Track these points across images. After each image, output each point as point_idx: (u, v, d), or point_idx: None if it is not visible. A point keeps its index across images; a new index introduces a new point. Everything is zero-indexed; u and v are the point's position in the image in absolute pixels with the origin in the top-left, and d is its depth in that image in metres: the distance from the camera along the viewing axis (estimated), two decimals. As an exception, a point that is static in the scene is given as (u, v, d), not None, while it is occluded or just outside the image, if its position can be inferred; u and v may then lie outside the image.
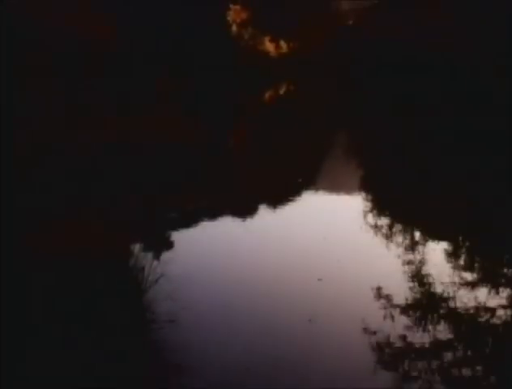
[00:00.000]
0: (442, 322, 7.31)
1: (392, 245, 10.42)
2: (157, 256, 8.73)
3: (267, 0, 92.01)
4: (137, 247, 8.80)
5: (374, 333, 6.95)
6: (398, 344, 6.79)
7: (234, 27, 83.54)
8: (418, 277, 8.80)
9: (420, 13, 34.09)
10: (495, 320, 7.40)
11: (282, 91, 66.40)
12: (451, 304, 7.83)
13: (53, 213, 9.32)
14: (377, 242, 10.60)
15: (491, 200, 13.49)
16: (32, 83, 18.74)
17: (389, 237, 11.16)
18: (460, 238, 11.22)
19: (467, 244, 11.00)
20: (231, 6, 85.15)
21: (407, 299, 7.97)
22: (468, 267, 9.39)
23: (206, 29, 62.74)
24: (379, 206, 13.91)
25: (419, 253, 10.03)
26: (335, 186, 17.01)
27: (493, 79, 23.89)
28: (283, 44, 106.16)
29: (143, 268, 7.71)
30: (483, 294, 8.13)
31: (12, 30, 19.51)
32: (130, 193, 12.76)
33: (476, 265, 9.81)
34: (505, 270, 9.69)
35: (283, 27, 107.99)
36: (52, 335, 6.21)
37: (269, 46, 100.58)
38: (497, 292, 8.25)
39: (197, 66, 53.77)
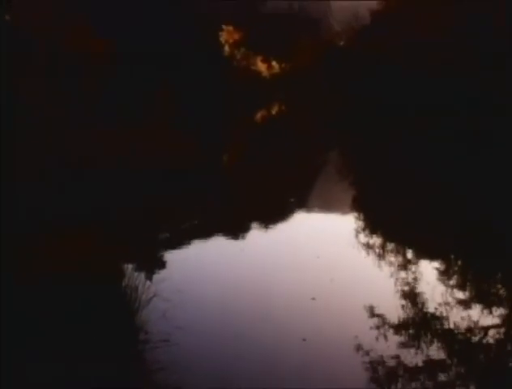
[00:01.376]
0: (435, 341, 7.32)
1: (384, 264, 10.45)
2: (150, 275, 8.72)
3: (260, 21, 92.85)
4: (130, 266, 8.78)
5: (367, 353, 6.95)
6: (391, 363, 6.80)
7: (227, 48, 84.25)
8: (411, 296, 8.83)
9: (408, 32, 34.47)
10: (488, 339, 7.42)
11: (274, 111, 66.76)
12: (444, 323, 7.85)
13: (42, 228, 9.30)
14: (369, 261, 10.63)
15: (483, 219, 13.58)
16: (28, 96, 18.79)
17: (381, 255, 11.18)
18: (452, 257, 11.26)
19: (459, 263, 11.03)
20: (224, 26, 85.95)
21: (399, 318, 7.98)
22: (460, 286, 9.43)
23: (199, 48, 63.11)
24: (371, 225, 13.97)
25: (411, 272, 10.07)
26: (327, 205, 17.07)
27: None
28: (275, 64, 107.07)
29: (137, 287, 7.69)
30: (475, 313, 8.16)
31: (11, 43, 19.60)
32: (123, 210, 12.76)
33: (468, 284, 9.84)
34: (497, 289, 9.74)
35: (275, 48, 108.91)
36: (45, 353, 6.17)
37: (261, 66, 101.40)
38: (490, 311, 8.28)
39: (190, 86, 53.99)
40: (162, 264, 9.99)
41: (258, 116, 56.90)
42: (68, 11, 27.13)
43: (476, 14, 25.75)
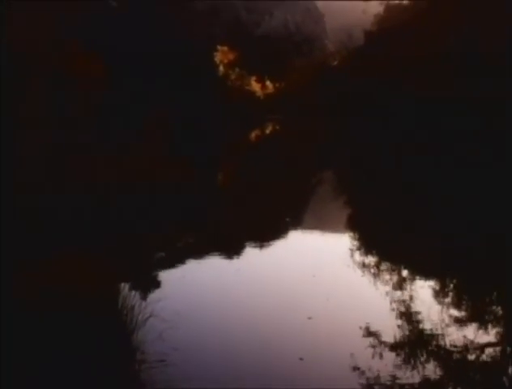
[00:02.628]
0: (431, 360, 7.33)
1: (380, 283, 10.46)
2: (147, 295, 8.72)
3: (254, 42, 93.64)
4: (126, 286, 8.77)
5: (364, 372, 6.95)
6: (388, 382, 6.79)
7: (221, 68, 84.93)
8: (406, 315, 8.84)
9: (402, 53, 34.87)
10: (484, 358, 7.44)
11: (268, 130, 67.08)
12: (440, 341, 7.86)
13: (43, 250, 9.31)
14: (365, 280, 10.65)
15: (477, 239, 13.64)
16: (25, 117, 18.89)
17: (376, 274, 11.21)
18: (447, 276, 11.28)
19: (455, 281, 11.06)
20: (218, 47, 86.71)
21: (395, 337, 7.99)
22: (456, 305, 9.45)
23: (195, 68, 63.48)
24: (366, 244, 14.01)
25: (407, 290, 10.09)
26: (322, 224, 17.11)
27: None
28: (269, 84, 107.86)
29: (133, 307, 7.69)
30: (471, 331, 8.18)
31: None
32: (119, 232, 12.78)
33: (464, 302, 9.86)
34: (493, 307, 9.77)
35: (269, 68, 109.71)
36: (40, 374, 6.16)
37: (255, 86, 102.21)
38: (485, 330, 8.30)
39: (185, 105, 54.27)
40: (158, 284, 9.98)
41: (253, 135, 57.15)
42: (66, 36, 27.37)
43: (471, 39, 26.13)
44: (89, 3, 39.16)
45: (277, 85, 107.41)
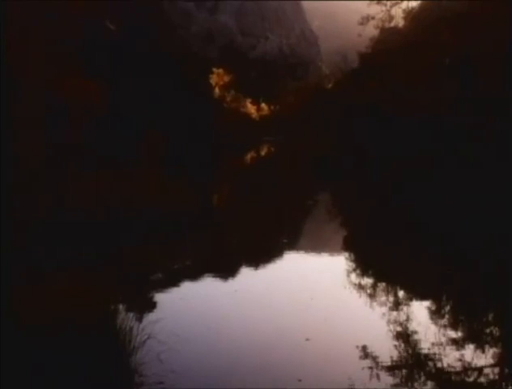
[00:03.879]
0: (428, 382, 7.34)
1: (377, 304, 10.49)
2: (144, 317, 8.72)
3: (249, 64, 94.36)
4: (124, 307, 8.79)
5: (362, 393, 6.97)
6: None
7: (217, 90, 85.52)
8: (403, 336, 8.87)
9: (394, 79, 35.18)
10: (482, 379, 7.45)
11: (263, 153, 67.36)
12: (437, 363, 7.88)
13: (39, 271, 9.32)
14: (362, 301, 10.68)
15: (473, 259, 13.71)
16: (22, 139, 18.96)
17: (373, 295, 11.24)
18: (444, 297, 11.32)
19: (451, 302, 11.09)
20: (214, 69, 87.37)
21: (393, 358, 8.01)
22: (453, 326, 9.47)
23: (190, 90, 63.84)
24: (362, 265, 14.05)
25: (403, 311, 10.12)
26: (319, 246, 17.14)
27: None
28: (264, 106, 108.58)
29: (131, 329, 7.69)
30: (468, 353, 8.21)
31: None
32: (116, 254, 12.82)
33: (461, 323, 9.88)
34: (490, 328, 9.80)
35: (264, 91, 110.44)
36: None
37: (251, 108, 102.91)
38: (483, 351, 8.33)
39: (180, 126, 54.51)
40: (156, 306, 9.98)
41: (248, 157, 57.36)
42: (63, 60, 27.54)
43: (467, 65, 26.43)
44: (87, 25, 39.45)
45: (272, 107, 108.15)
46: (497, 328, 9.75)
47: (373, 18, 41.15)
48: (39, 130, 21.85)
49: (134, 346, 7.40)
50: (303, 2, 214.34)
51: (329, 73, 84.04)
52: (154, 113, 49.17)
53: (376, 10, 40.82)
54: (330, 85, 72.94)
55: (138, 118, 44.06)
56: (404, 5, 41.77)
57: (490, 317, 10.41)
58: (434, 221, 18.65)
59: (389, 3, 40.06)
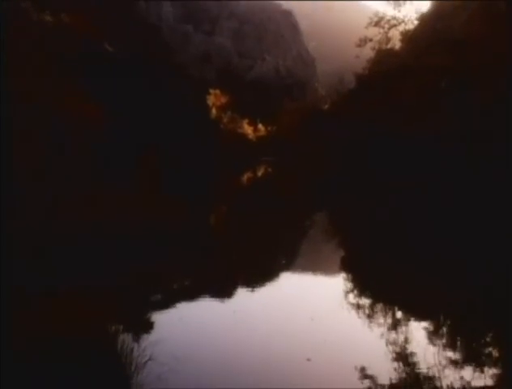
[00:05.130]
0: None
1: (376, 325, 10.52)
2: (144, 338, 8.74)
3: (246, 85, 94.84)
4: (124, 328, 8.82)
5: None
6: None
7: (214, 111, 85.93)
8: (402, 357, 8.90)
9: (391, 100, 35.48)
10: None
11: (260, 173, 67.51)
12: (436, 384, 7.91)
13: (40, 290, 9.36)
14: (360, 322, 10.72)
15: (473, 279, 13.77)
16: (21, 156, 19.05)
17: (371, 316, 11.27)
18: (442, 317, 11.35)
19: (449, 322, 11.13)
20: (211, 90, 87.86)
21: (391, 379, 8.04)
22: (451, 346, 9.51)
23: (188, 111, 64.13)
24: (360, 285, 14.09)
25: (402, 332, 10.15)
26: (316, 266, 17.18)
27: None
28: (261, 127, 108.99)
29: (132, 350, 7.72)
30: (467, 374, 8.24)
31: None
32: (115, 273, 12.84)
33: (459, 344, 9.91)
34: (489, 349, 9.84)
35: (261, 111, 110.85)
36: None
37: (248, 129, 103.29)
38: (482, 372, 8.36)
39: (178, 148, 54.68)
40: (156, 327, 9.99)
41: (245, 177, 57.47)
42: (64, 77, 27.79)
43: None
44: (87, 47, 39.84)
45: (269, 128, 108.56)
46: (495, 348, 9.79)
47: (370, 40, 41.67)
48: (37, 145, 21.96)
49: (135, 367, 7.44)
50: (300, 23, 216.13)
51: (325, 94, 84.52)
52: (150, 132, 49.38)
53: (373, 32, 41.37)
54: (326, 106, 73.41)
55: (134, 137, 44.25)
56: (402, 27, 42.43)
57: (489, 337, 10.44)
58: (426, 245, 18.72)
59: (387, 26, 40.62)
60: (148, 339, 8.72)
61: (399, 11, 42.58)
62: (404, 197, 28.76)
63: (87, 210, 18.23)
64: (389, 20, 42.24)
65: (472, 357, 9.06)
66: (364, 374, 8.11)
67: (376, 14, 43.30)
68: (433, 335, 10.06)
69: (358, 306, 11.87)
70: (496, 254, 15.78)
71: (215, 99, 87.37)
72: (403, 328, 10.43)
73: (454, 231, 20.00)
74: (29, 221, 14.88)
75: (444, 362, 8.61)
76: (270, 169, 72.78)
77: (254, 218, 25.94)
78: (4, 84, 20.68)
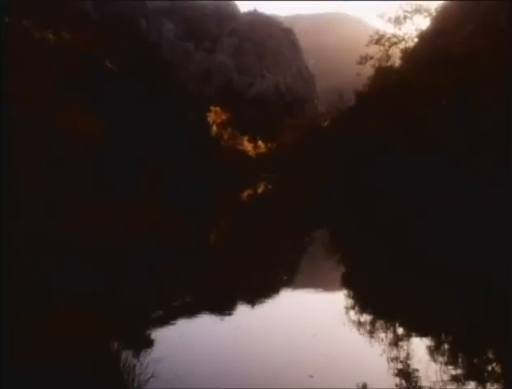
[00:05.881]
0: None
1: (378, 341, 10.52)
2: (147, 355, 8.73)
3: (246, 102, 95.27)
4: (126, 345, 8.81)
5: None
6: None
7: (214, 128, 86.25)
8: (404, 373, 8.89)
9: (391, 117, 35.64)
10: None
11: (260, 190, 67.61)
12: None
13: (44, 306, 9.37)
14: (362, 338, 10.72)
15: (474, 295, 13.77)
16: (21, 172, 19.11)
17: (373, 332, 11.26)
18: (443, 334, 11.34)
19: (451, 339, 11.11)
20: (212, 107, 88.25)
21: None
22: (453, 363, 9.49)
23: (188, 128, 64.37)
24: (361, 301, 14.08)
25: (403, 348, 10.14)
26: (317, 283, 17.17)
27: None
28: (261, 144, 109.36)
29: (134, 367, 7.72)
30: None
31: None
32: (115, 289, 12.85)
33: (461, 361, 9.90)
34: (491, 366, 9.82)
35: (261, 128, 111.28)
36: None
37: (248, 146, 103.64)
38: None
39: (179, 164, 54.81)
40: (158, 344, 9.97)
41: (245, 194, 57.56)
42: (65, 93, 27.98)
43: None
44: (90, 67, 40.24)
45: (269, 145, 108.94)
46: (497, 365, 9.77)
47: (371, 57, 42.06)
48: (39, 160, 22.05)
49: (137, 385, 7.43)
50: (300, 40, 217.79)
51: (325, 111, 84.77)
52: (151, 148, 49.54)
53: (374, 49, 41.79)
54: (326, 123, 73.64)
55: (135, 152, 44.42)
56: (402, 44, 42.86)
57: (491, 353, 10.43)
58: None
59: (387, 43, 41.04)
60: (151, 356, 8.69)
61: (400, 29, 43.16)
62: (405, 213, 28.78)
63: (87, 223, 18.26)
64: (389, 38, 42.73)
65: (475, 374, 9.04)
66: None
67: (377, 32, 43.84)
68: (434, 351, 10.05)
69: (359, 323, 11.86)
70: (496, 270, 15.80)
71: (215, 116, 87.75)
72: (405, 344, 10.42)
73: (455, 248, 20.00)
74: (29, 238, 14.91)
75: (446, 379, 8.60)
76: (270, 186, 72.90)
77: (255, 234, 25.96)
78: (5, 102, 20.84)
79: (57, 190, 21.59)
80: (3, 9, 28.13)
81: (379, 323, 12.12)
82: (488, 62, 25.54)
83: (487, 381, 8.80)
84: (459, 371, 9.13)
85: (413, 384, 8.50)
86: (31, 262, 12.68)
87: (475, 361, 9.98)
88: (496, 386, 8.63)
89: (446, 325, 11.83)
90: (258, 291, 15.09)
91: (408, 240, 22.64)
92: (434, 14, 44.85)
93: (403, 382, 8.57)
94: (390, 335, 11.05)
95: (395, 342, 10.55)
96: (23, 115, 22.77)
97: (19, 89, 23.32)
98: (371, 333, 11.18)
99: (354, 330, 11.28)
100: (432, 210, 26.86)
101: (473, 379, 8.71)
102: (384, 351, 9.93)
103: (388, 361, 9.38)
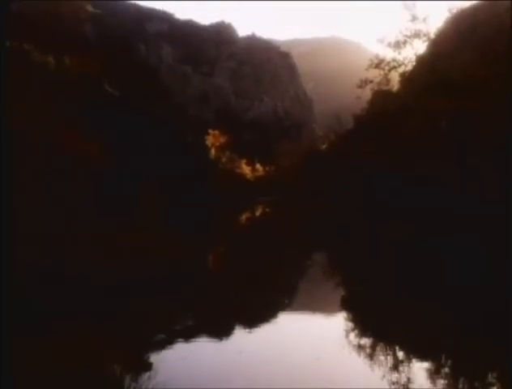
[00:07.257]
0: None
1: (380, 365, 10.50)
2: (150, 379, 8.70)
3: (244, 126, 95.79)
4: (129, 369, 8.79)
5: None
6: None
7: (213, 151, 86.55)
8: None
9: (389, 141, 35.86)
10: None
11: (258, 213, 67.63)
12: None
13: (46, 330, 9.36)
14: (362, 361, 10.70)
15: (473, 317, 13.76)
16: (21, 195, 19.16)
17: (373, 356, 11.24)
18: (444, 357, 11.31)
19: (451, 362, 11.08)
20: (210, 131, 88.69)
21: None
22: (453, 386, 9.48)
23: (186, 152, 64.65)
24: (361, 325, 14.06)
25: (405, 373, 10.12)
26: (317, 306, 17.14)
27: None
28: (259, 167, 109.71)
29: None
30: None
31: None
32: (115, 312, 12.83)
33: (461, 384, 9.88)
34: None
35: (259, 152, 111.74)
36: None
37: (246, 169, 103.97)
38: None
39: (178, 187, 54.96)
40: (160, 368, 9.90)
41: (243, 217, 57.58)
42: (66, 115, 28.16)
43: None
44: (90, 91, 40.56)
45: (267, 168, 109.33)
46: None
47: (371, 81, 42.47)
48: (38, 182, 22.11)
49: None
50: (298, 64, 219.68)
51: (322, 134, 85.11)
52: (150, 171, 49.70)
53: (373, 73, 42.20)
54: (324, 146, 73.96)
55: (134, 176, 44.55)
56: (401, 68, 43.32)
57: (491, 376, 10.41)
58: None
59: (387, 67, 41.47)
60: (155, 380, 8.65)
61: (399, 53, 43.68)
62: (405, 237, 28.83)
63: (88, 249, 18.30)
64: (389, 62, 43.20)
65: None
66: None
67: (376, 56, 44.33)
68: (435, 374, 10.03)
69: (360, 346, 11.84)
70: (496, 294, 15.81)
71: (213, 139, 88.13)
72: (407, 367, 10.40)
73: (457, 272, 20.01)
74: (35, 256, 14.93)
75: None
76: (268, 209, 72.93)
77: (254, 257, 25.94)
78: (4, 125, 20.95)
79: (56, 212, 21.64)
80: (4, 33, 28.44)
81: (380, 346, 12.11)
82: (487, 93, 25.74)
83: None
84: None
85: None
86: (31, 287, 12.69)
87: (477, 385, 9.97)
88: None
89: (448, 348, 11.82)
90: (260, 314, 15.07)
91: (410, 264, 22.72)
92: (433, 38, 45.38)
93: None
94: (393, 358, 11.03)
95: (397, 365, 10.54)
96: (23, 139, 22.89)
97: (19, 112, 23.47)
98: (373, 356, 11.16)
99: (356, 353, 11.26)
100: (432, 235, 26.92)
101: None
102: (386, 374, 9.91)
103: (391, 384, 9.35)
